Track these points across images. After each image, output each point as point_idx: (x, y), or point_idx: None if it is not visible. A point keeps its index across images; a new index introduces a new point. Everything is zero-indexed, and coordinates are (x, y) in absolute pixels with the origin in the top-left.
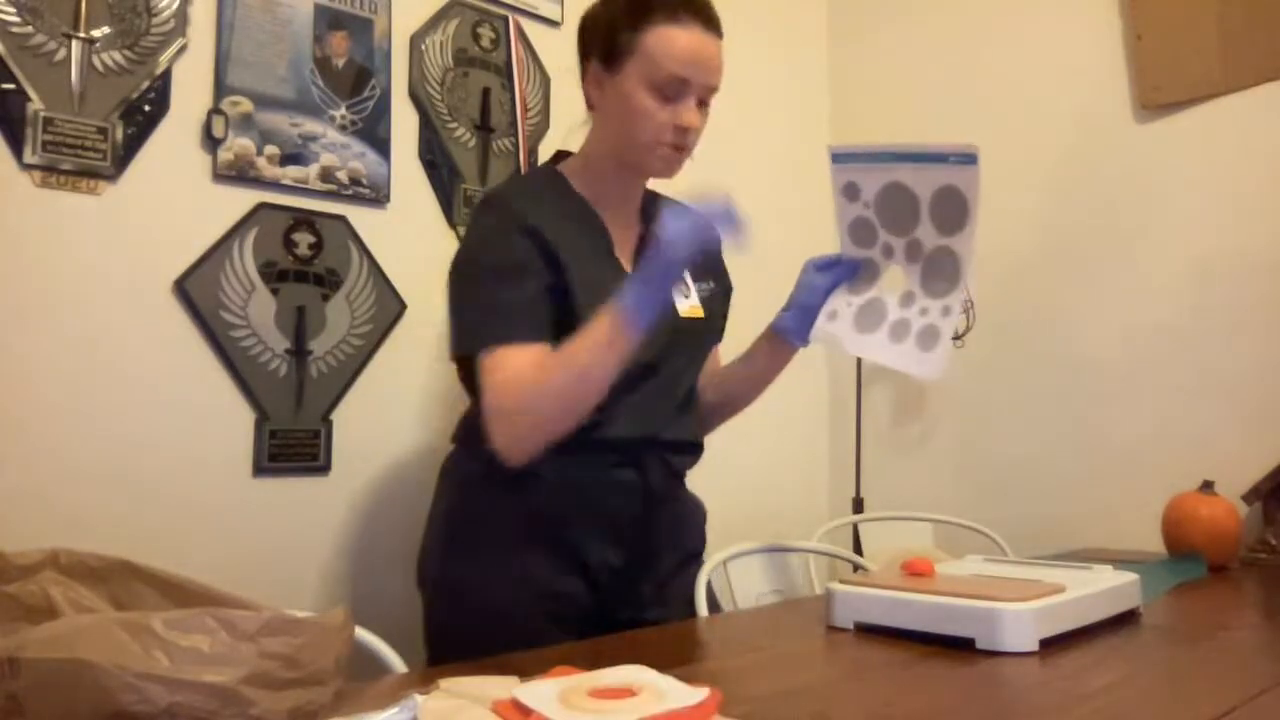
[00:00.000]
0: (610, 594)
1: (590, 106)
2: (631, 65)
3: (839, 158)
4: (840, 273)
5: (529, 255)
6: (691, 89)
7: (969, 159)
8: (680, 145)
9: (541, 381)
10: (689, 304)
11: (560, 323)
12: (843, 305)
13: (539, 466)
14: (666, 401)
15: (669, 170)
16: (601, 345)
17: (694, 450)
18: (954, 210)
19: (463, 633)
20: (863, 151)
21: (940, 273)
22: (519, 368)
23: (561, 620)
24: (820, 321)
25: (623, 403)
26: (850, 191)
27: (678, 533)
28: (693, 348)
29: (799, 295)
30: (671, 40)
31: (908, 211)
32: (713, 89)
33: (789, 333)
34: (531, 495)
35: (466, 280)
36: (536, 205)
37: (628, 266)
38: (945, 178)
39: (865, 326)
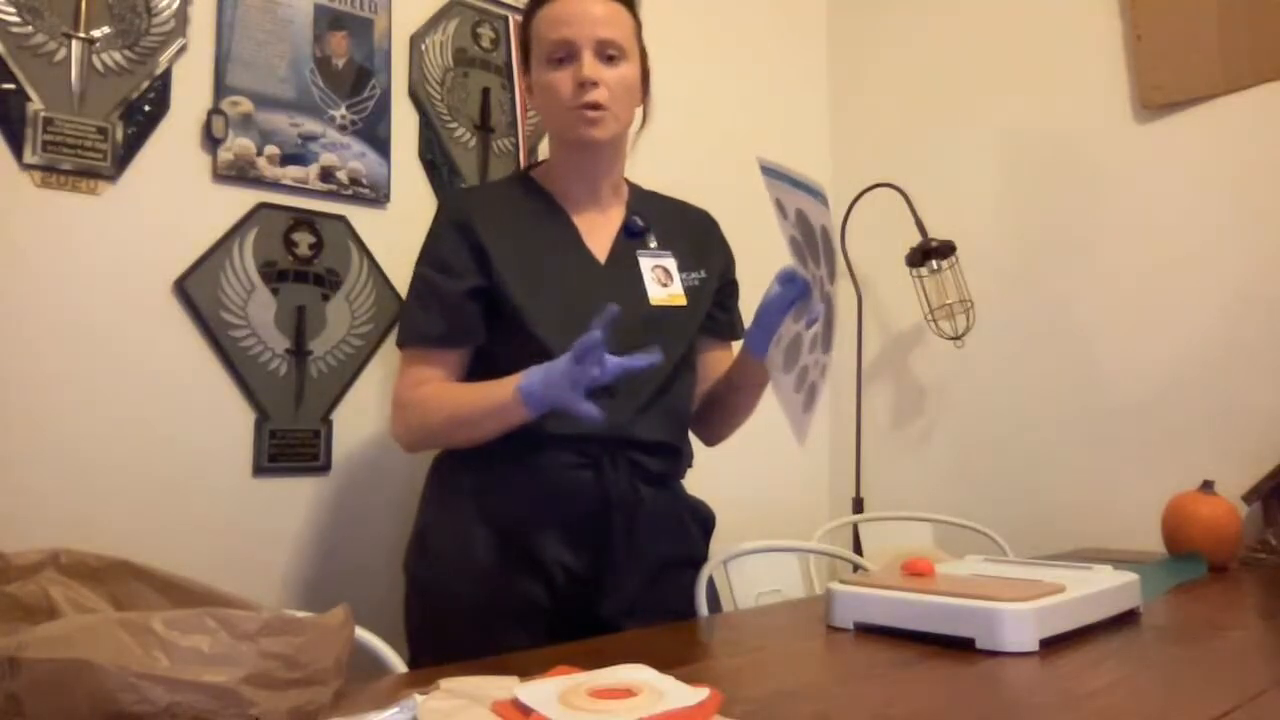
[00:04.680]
0: (570, 597)
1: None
2: (533, 55)
3: (766, 171)
4: (797, 289)
5: (457, 254)
6: (580, 45)
7: (824, 199)
8: (590, 102)
9: (430, 409)
10: (668, 292)
11: (495, 314)
12: (788, 330)
13: (501, 464)
14: (634, 397)
15: (592, 129)
16: (489, 410)
17: (670, 452)
18: (830, 256)
19: (434, 626)
20: (778, 170)
21: (827, 325)
22: (418, 384)
23: (522, 619)
24: (771, 343)
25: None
26: (781, 209)
27: (648, 538)
28: (670, 337)
29: (759, 309)
30: (550, 13)
31: (814, 243)
32: (605, 40)
33: (750, 346)
34: (493, 493)
35: (412, 278)
36: (479, 203)
37: (600, 256)
38: (823, 217)
39: (787, 364)
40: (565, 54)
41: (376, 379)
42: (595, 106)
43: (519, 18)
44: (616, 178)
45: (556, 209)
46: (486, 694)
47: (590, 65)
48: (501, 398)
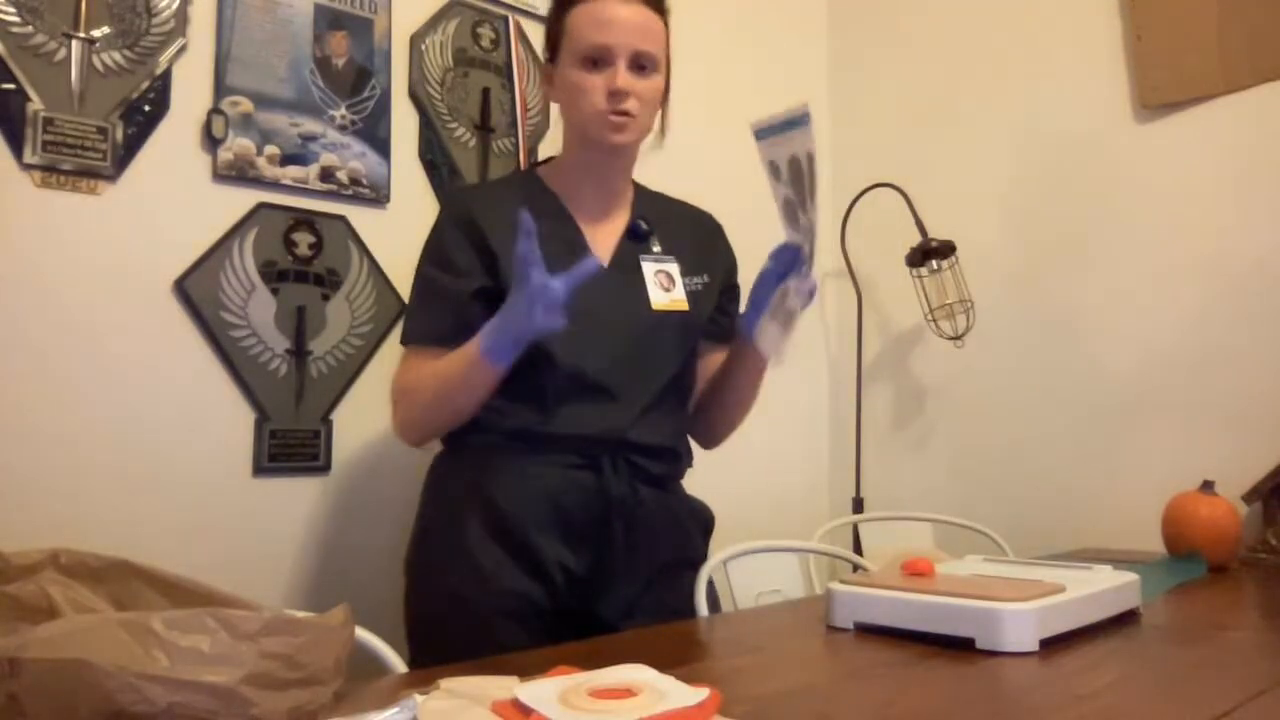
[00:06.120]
0: (569, 598)
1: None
2: (564, 49)
3: (759, 134)
4: (785, 261)
5: (461, 253)
6: (616, 53)
7: (807, 118)
8: (619, 110)
9: (418, 390)
10: (670, 297)
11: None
12: (777, 296)
13: (501, 464)
14: (634, 400)
15: (618, 134)
16: (466, 373)
17: (669, 455)
18: (813, 180)
19: (434, 626)
20: (768, 125)
21: (811, 250)
22: (412, 372)
23: (521, 619)
24: (763, 317)
25: (586, 399)
26: (774, 170)
27: (648, 540)
28: (672, 342)
29: (752, 290)
30: (588, 13)
31: (805, 186)
32: (640, 52)
33: (743, 330)
34: (492, 492)
35: (416, 275)
36: (484, 202)
37: (604, 259)
38: (808, 142)
39: (777, 316)
40: (600, 58)
41: (376, 379)
42: (624, 114)
43: (519, 18)
44: (625, 182)
45: (561, 210)
46: (486, 694)
47: (624, 76)
48: (471, 358)
